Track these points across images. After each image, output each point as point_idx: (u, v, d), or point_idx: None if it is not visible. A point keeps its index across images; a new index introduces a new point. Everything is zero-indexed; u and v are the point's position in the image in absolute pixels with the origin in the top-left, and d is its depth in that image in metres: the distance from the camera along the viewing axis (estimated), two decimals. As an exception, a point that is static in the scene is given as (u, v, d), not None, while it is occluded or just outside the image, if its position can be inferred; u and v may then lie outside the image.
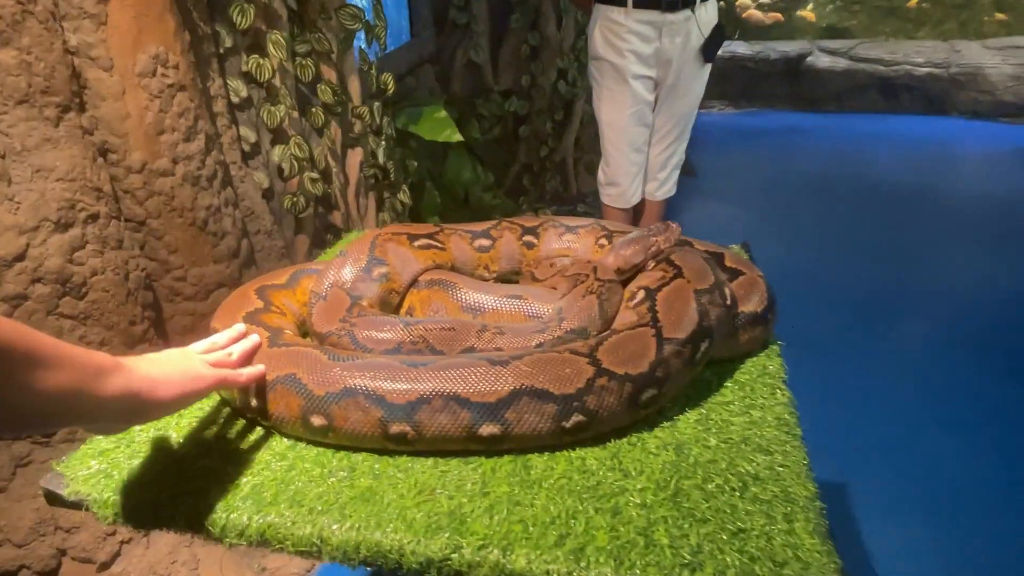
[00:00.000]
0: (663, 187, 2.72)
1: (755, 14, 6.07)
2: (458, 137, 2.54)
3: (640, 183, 2.64)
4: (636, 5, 2.31)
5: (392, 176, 2.49)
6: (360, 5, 2.24)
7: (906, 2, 6.33)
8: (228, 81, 1.86)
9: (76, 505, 0.71)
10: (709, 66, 2.55)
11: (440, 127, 2.57)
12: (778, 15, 6.62)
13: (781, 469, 0.70)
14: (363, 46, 2.39)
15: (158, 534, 1.44)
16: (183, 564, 1.45)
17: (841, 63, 5.88)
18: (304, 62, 2.10)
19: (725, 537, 0.62)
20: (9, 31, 1.19)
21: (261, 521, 0.66)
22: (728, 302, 0.86)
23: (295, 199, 2.09)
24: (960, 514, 1.83)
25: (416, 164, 2.73)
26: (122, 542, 1.38)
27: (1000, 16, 6.06)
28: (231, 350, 0.81)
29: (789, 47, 6.02)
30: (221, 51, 1.83)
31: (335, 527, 0.65)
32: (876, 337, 2.72)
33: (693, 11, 2.36)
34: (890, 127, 5.50)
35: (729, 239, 1.38)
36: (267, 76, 1.93)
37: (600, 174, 2.71)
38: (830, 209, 4.01)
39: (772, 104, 5.97)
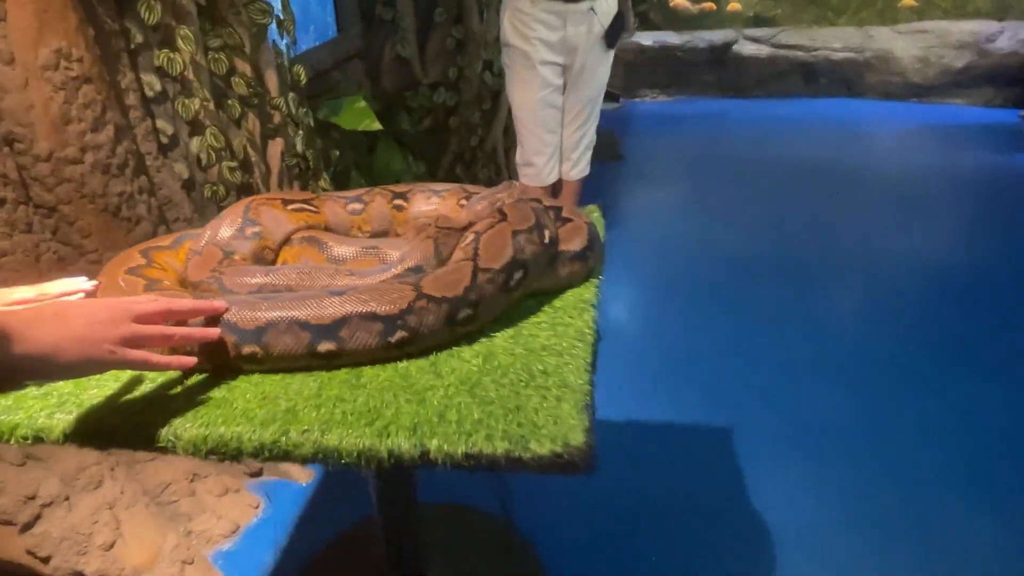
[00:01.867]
0: (577, 167, 2.90)
1: (682, 3, 6.31)
2: (376, 126, 2.67)
3: (555, 162, 2.82)
4: None
5: (312, 165, 2.60)
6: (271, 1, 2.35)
7: (824, -10, 6.65)
8: (141, 75, 1.94)
9: (-34, 430, 0.82)
10: (612, 52, 2.73)
11: (359, 117, 2.68)
12: (711, 4, 6.88)
13: (566, 366, 0.86)
14: (277, 40, 2.49)
15: (79, 497, 1.54)
16: (104, 525, 1.56)
17: (764, 50, 6.17)
18: (217, 56, 2.19)
19: (502, 412, 0.77)
20: (-94, 27, 1.28)
21: (125, 426, 0.79)
22: (546, 241, 1.02)
23: (215, 188, 2.18)
24: (832, 451, 2.03)
25: (339, 154, 2.84)
26: (43, 505, 1.47)
27: (910, 2, 6.42)
28: (176, 332, 0.79)
29: (715, 36, 6.29)
30: (132, 46, 1.91)
31: (187, 426, 0.78)
32: (794, 303, 2.91)
33: (592, 1, 2.54)
34: (810, 110, 5.81)
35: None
36: (179, 70, 2.02)
37: (517, 156, 2.89)
38: (754, 190, 4.24)
39: (700, 91, 6.23)
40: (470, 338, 0.93)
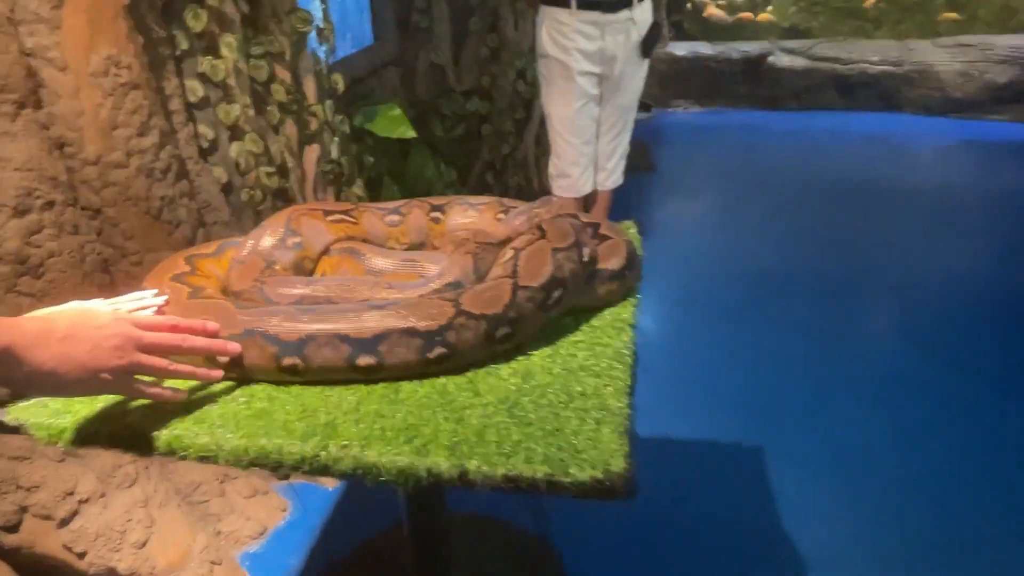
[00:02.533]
0: (612, 177, 2.89)
1: (716, 12, 6.27)
2: (411, 133, 2.69)
3: (590, 173, 2.81)
4: (580, 7, 2.48)
5: (346, 171, 2.63)
6: (313, 10, 2.39)
7: (863, 1, 6.53)
8: (185, 81, 1.99)
9: (15, 430, 0.84)
10: (647, 61, 2.72)
11: (394, 124, 2.71)
12: (749, 14, 6.81)
13: (605, 388, 0.85)
14: (316, 48, 2.53)
15: (114, 494, 1.57)
16: (138, 523, 1.58)
17: (800, 62, 6.08)
18: (258, 63, 2.23)
19: (541, 435, 0.76)
20: (-33, 35, 1.33)
21: (169, 434, 0.80)
22: (585, 259, 1.01)
23: (252, 192, 2.22)
24: (861, 471, 1.99)
25: (373, 160, 2.87)
26: (80, 501, 1.50)
27: (952, 15, 6.29)
28: (178, 369, 0.82)
29: (750, 47, 6.22)
30: (177, 53, 1.96)
31: (229, 436, 0.79)
32: (806, 312, 2.88)
33: (631, 11, 2.53)
34: (846, 124, 5.70)
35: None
36: (222, 76, 2.06)
37: (551, 168, 2.88)
38: (788, 205, 4.15)
39: (734, 103, 6.16)
40: (508, 355, 0.93)
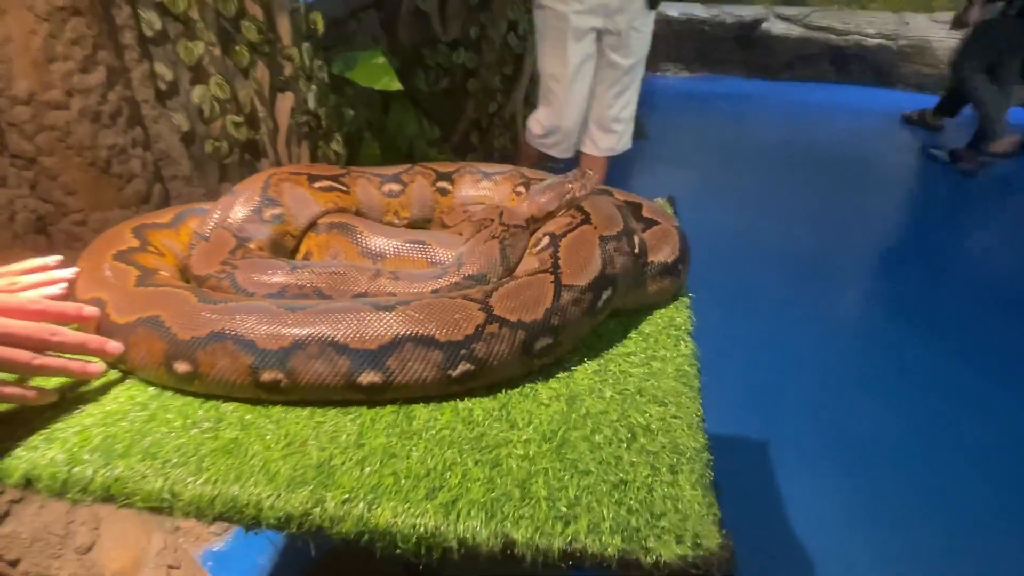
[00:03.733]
0: (622, 140, 2.69)
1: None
2: (396, 85, 2.43)
3: (578, 135, 2.62)
4: None
5: (324, 124, 2.37)
6: (289, -64, 2.09)
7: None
8: (140, 11, 1.71)
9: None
10: (654, 14, 2.51)
11: (378, 74, 2.44)
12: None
13: (673, 420, 0.68)
14: (293, -18, 2.24)
15: (53, 492, 1.36)
16: (82, 524, 1.38)
17: (795, 30, 5.89)
18: (226, -6, 1.95)
19: (605, 489, 0.59)
20: None
21: (108, 475, 0.60)
22: (636, 250, 0.83)
23: (217, 144, 1.97)
24: (872, 469, 1.89)
25: (352, 113, 2.61)
26: (11, 501, 1.29)
27: (949, -10, 6.14)
28: (46, 364, 0.65)
29: (745, 11, 5.99)
30: (130, -24, 1.67)
31: (189, 480, 0.59)
32: (808, 298, 2.77)
33: None
34: (838, 97, 5.57)
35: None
36: (183, 8, 1.79)
37: (532, 124, 2.66)
38: (775, 175, 4.06)
39: (725, 69, 5.96)
40: (545, 372, 0.75)
